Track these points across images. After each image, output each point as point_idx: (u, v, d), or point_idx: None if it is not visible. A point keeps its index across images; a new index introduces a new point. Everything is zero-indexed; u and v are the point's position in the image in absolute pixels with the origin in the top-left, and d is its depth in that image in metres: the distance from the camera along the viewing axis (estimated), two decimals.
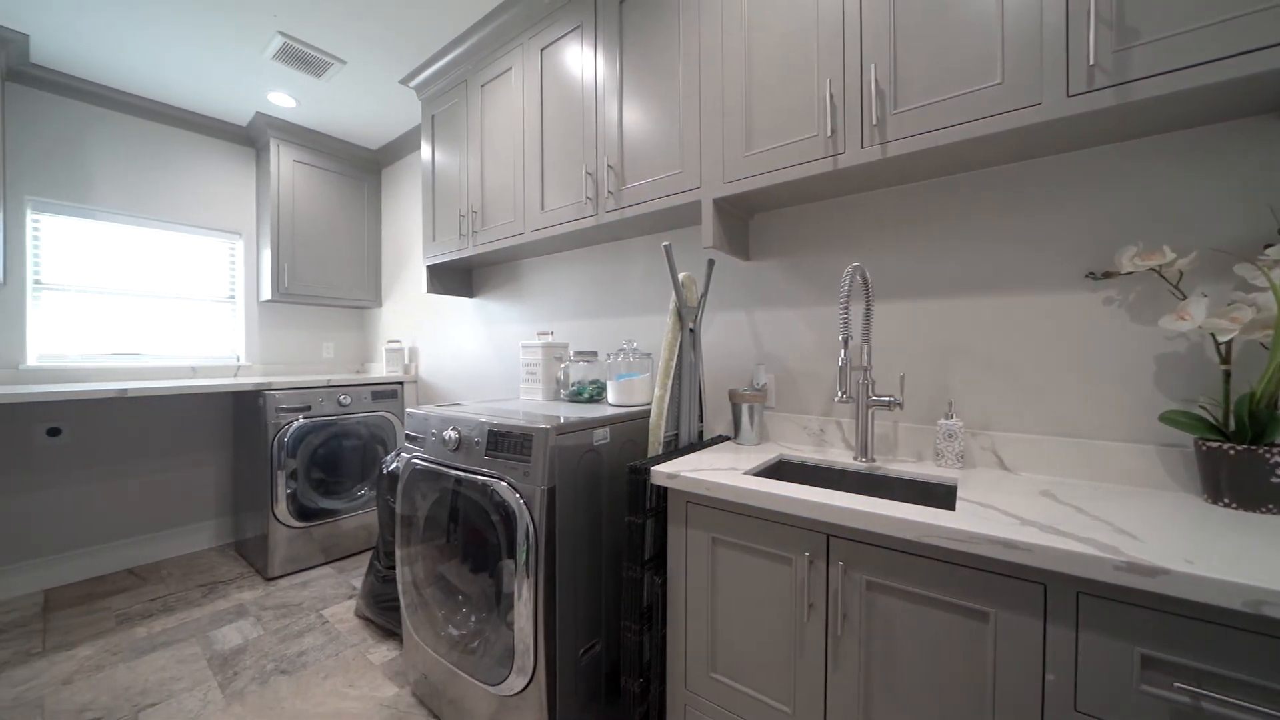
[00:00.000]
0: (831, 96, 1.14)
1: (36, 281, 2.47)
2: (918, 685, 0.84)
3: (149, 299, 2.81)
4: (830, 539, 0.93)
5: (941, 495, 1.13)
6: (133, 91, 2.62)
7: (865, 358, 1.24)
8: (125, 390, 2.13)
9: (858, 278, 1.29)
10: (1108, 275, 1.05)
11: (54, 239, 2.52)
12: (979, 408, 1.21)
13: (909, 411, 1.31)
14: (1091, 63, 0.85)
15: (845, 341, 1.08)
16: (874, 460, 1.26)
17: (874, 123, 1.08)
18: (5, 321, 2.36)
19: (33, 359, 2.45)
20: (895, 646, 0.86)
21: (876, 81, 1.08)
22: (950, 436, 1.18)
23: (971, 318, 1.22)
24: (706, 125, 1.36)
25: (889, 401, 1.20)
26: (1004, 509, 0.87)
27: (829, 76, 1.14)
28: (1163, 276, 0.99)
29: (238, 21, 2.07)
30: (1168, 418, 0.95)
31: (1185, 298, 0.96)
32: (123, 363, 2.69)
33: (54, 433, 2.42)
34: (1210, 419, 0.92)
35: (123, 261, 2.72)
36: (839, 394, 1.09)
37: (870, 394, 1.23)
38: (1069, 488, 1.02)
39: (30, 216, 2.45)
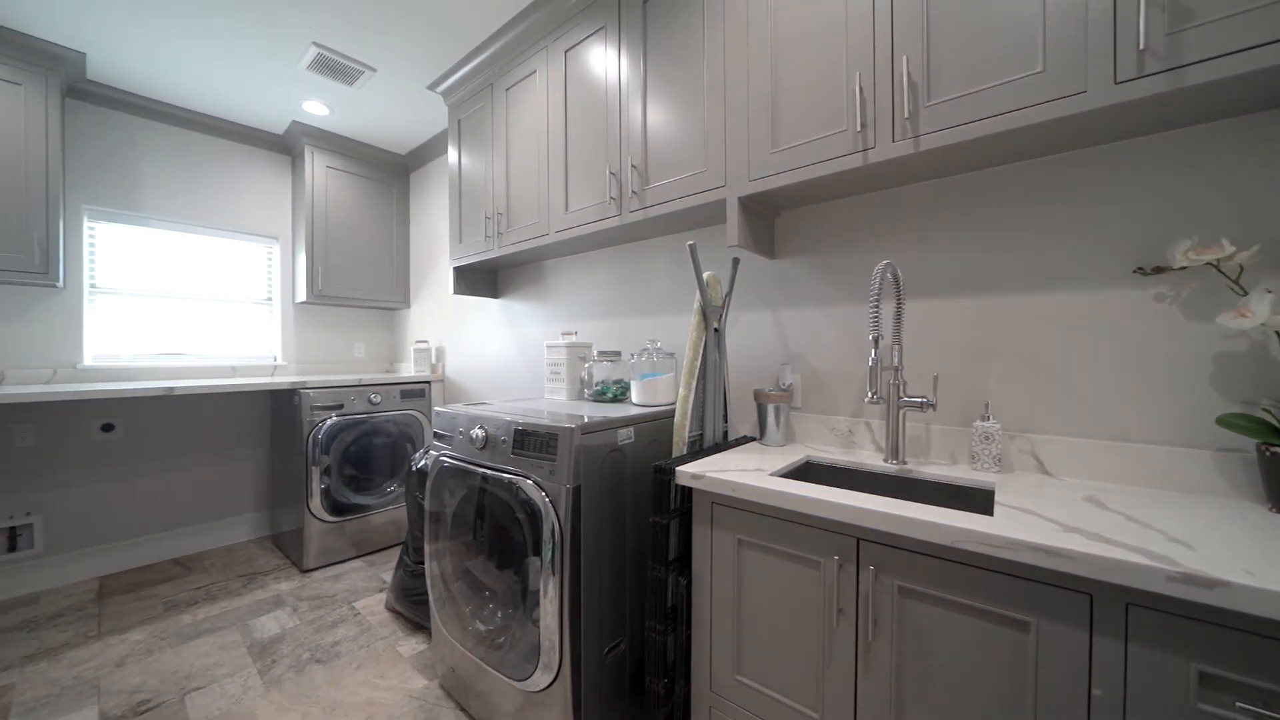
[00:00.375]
0: (861, 90, 1.11)
1: (92, 286, 2.62)
2: (953, 695, 0.82)
3: (193, 301, 2.94)
4: (860, 543, 0.91)
5: (978, 499, 1.09)
6: (178, 104, 2.75)
7: (896, 357, 1.21)
8: (172, 389, 2.24)
9: (888, 275, 1.26)
10: (1158, 270, 1.00)
11: (107, 245, 2.67)
12: (1017, 409, 1.17)
13: (942, 413, 1.27)
14: (1142, 47, 0.81)
15: (875, 341, 1.06)
16: (905, 463, 1.22)
17: (906, 116, 1.05)
18: (65, 324, 2.51)
19: (89, 359, 2.60)
20: (929, 655, 0.84)
21: (909, 74, 1.05)
22: (987, 439, 1.14)
23: (1009, 316, 1.18)
24: (731, 122, 1.35)
25: (921, 402, 1.16)
26: (1045, 515, 0.84)
27: (858, 70, 1.12)
28: (1220, 271, 0.93)
29: (275, 34, 2.15)
30: (1227, 421, 0.90)
31: (1246, 293, 0.90)
32: (169, 362, 2.83)
33: (108, 428, 2.56)
34: (1275, 422, 0.87)
35: (169, 266, 2.86)
36: (869, 395, 1.07)
37: (901, 394, 1.20)
38: (1115, 494, 0.97)
39: (86, 224, 2.59)
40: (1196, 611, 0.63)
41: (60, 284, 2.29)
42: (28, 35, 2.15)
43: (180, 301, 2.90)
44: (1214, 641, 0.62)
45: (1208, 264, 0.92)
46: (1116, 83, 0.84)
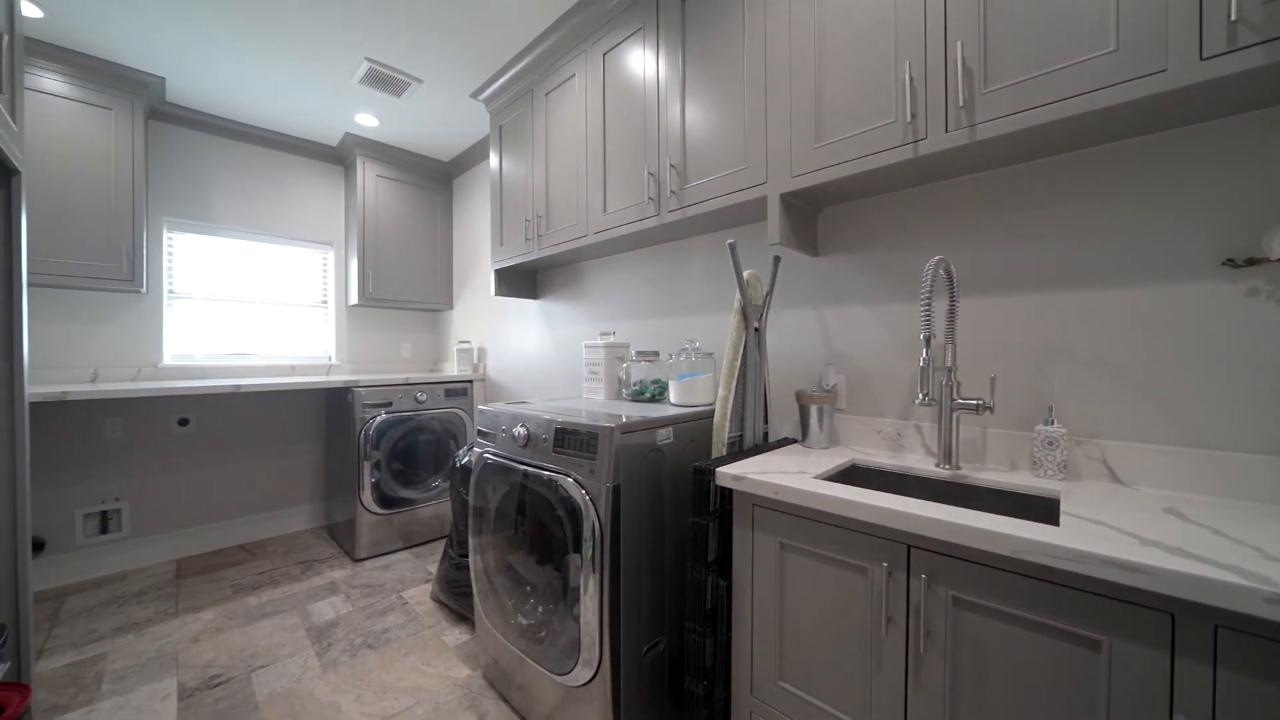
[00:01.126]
0: (911, 79, 1.07)
1: (170, 291, 2.85)
2: (1014, 714, 0.77)
3: (256, 304, 3.15)
4: (911, 550, 0.87)
5: (1041, 508, 1.03)
6: (245, 121, 2.95)
7: (950, 357, 1.16)
8: (239, 386, 2.40)
9: (941, 271, 1.21)
10: (1252, 262, 0.91)
11: (183, 253, 2.90)
12: (1085, 413, 1.10)
13: (1000, 416, 1.20)
14: (1233, 18, 0.74)
15: (927, 340, 1.02)
16: (959, 468, 1.17)
17: (960, 104, 1.00)
18: (147, 326, 2.74)
19: (168, 358, 2.82)
20: (987, 670, 0.80)
21: (963, 59, 1.00)
22: (1050, 444, 1.07)
23: (1076, 313, 1.11)
24: (773, 118, 1.33)
25: (977, 405, 1.11)
26: (1119, 526, 0.78)
27: (908, 58, 1.08)
28: None
29: (331, 52, 2.27)
30: None
31: None
32: (236, 362, 3.04)
33: (183, 423, 2.77)
34: None
35: (235, 271, 3.07)
36: (920, 396, 1.03)
37: (955, 396, 1.15)
38: (1200, 506, 0.89)
39: (166, 235, 2.82)
40: None
41: (144, 290, 2.49)
42: (118, 64, 2.36)
43: (245, 305, 3.11)
44: None
45: None
46: (1202, 59, 0.78)
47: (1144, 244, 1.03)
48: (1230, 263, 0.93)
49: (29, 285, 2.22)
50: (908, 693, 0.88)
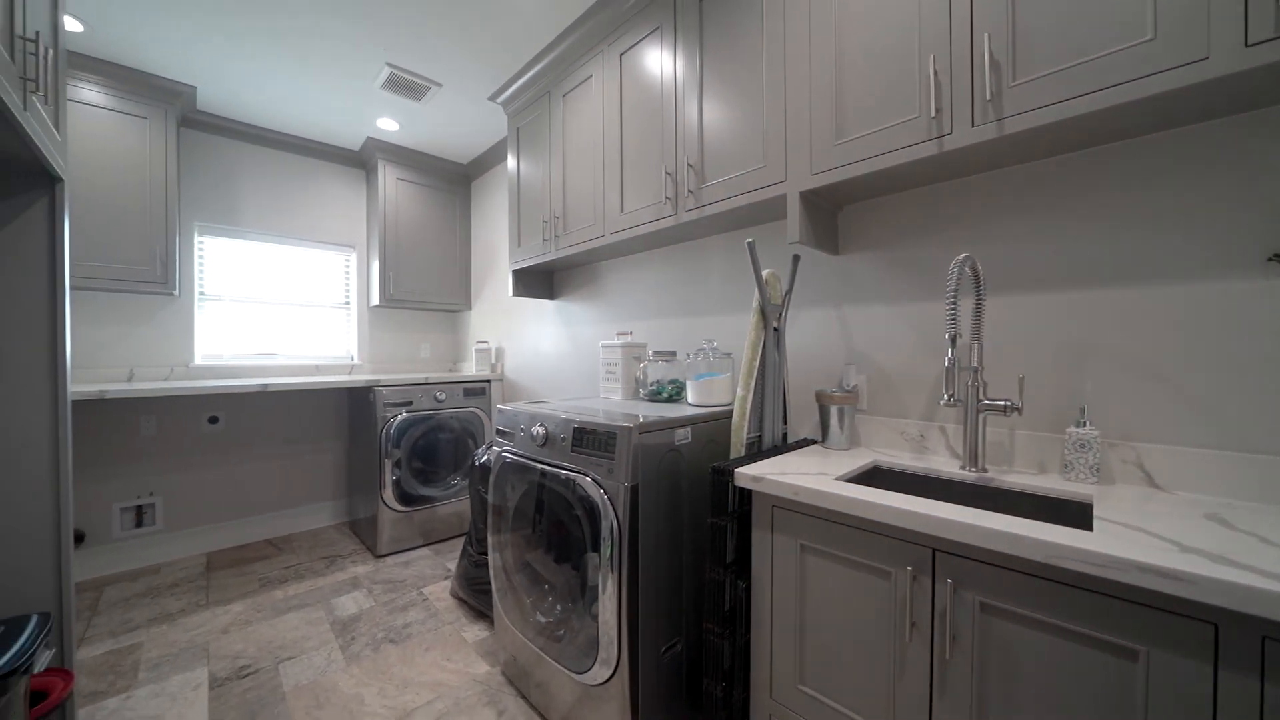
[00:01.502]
0: (936, 73, 1.05)
1: (201, 293, 2.94)
2: None
3: (282, 305, 3.23)
4: (936, 554, 0.86)
5: (1073, 513, 1.00)
6: (272, 127, 3.03)
7: (976, 357, 1.13)
8: (266, 385, 2.47)
9: (966, 269, 1.18)
10: None
11: (213, 256, 2.99)
12: (1119, 415, 1.06)
13: (1029, 418, 1.17)
14: None
15: (953, 340, 1.00)
16: (986, 470, 1.14)
17: (987, 98, 0.98)
18: (179, 327, 2.83)
19: (199, 358, 2.91)
20: (1017, 679, 0.78)
21: (990, 52, 0.98)
22: (1082, 446, 1.04)
23: (1109, 312, 1.07)
24: (792, 115, 1.31)
25: (1005, 406, 1.08)
26: (1156, 532, 0.75)
27: (932, 52, 1.05)
28: None
29: (356, 58, 2.32)
30: None
31: None
32: (263, 361, 3.12)
33: (213, 420, 2.86)
34: None
35: (262, 274, 3.15)
36: (945, 397, 1.00)
37: (982, 397, 1.12)
38: (1245, 512, 0.86)
39: (197, 239, 2.91)
40: None
41: (176, 292, 2.58)
42: (153, 75, 2.44)
43: (272, 306, 3.19)
44: None
45: None
46: (1248, 45, 0.74)
47: (1179, 239, 0.99)
48: (1276, 258, 0.89)
49: (74, 288, 2.32)
50: (932, 700, 0.86)
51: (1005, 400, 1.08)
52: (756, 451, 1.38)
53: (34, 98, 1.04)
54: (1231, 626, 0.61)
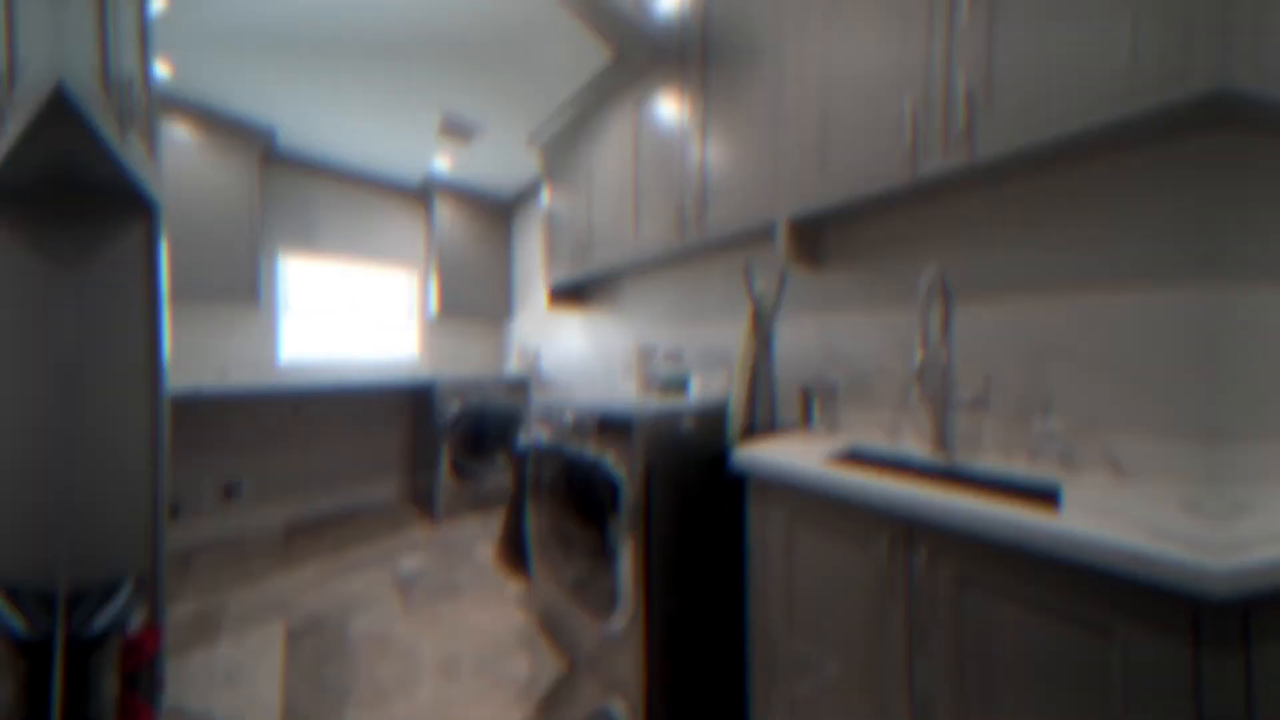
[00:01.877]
0: (914, 112, 1.00)
1: (284, 305, 2.95)
2: (1021, 689, 0.71)
3: (354, 315, 3.23)
4: (913, 529, 0.81)
5: (1040, 496, 0.94)
6: (343, 164, 3.04)
7: (945, 358, 1.08)
8: (340, 382, 2.47)
9: (936, 281, 1.13)
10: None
11: (294, 274, 3.00)
12: (1080, 407, 1.00)
13: (996, 412, 1.11)
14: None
15: (923, 344, 0.95)
16: (954, 460, 1.09)
17: (959, 131, 0.93)
18: (266, 334, 2.84)
19: (283, 359, 2.92)
20: (990, 642, 0.73)
21: (966, 87, 0.93)
22: (1048, 438, 0.98)
23: (1073, 315, 1.01)
24: (781, 154, 1.27)
25: (972, 401, 1.03)
26: (1125, 514, 0.70)
27: (909, 95, 1.01)
28: None
29: (416, 107, 2.31)
30: None
31: None
32: (338, 361, 3.12)
33: (296, 411, 2.86)
34: None
35: (336, 288, 3.16)
36: (915, 393, 0.96)
37: (950, 393, 1.07)
38: (1208, 494, 0.80)
39: (280, 259, 2.92)
40: None
41: (262, 304, 2.59)
42: (240, 119, 2.44)
43: (344, 315, 3.20)
44: None
45: None
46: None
47: (1132, 251, 0.93)
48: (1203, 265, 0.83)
49: (175, 299, 2.32)
50: (913, 660, 0.82)
51: (973, 396, 1.03)
52: (750, 436, 1.34)
53: (130, 133, 1.01)
54: (1207, 602, 0.57)
